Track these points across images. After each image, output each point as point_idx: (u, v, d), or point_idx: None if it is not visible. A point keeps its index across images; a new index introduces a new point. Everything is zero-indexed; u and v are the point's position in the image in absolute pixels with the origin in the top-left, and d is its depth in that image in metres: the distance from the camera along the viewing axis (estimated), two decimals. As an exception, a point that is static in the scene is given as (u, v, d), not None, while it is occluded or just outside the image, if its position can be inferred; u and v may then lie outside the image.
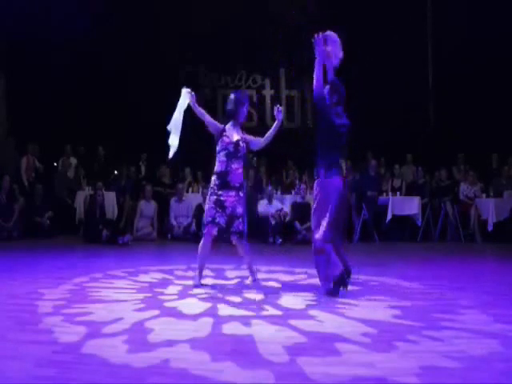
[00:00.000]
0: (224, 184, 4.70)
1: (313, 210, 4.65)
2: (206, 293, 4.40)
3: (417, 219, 9.61)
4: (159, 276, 5.27)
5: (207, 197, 4.82)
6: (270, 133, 4.91)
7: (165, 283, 4.86)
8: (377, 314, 3.67)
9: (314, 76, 4.60)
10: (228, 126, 4.88)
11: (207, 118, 4.94)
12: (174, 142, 5.10)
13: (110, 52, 11.87)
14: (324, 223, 4.43)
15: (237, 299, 4.18)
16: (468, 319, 3.50)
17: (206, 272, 5.54)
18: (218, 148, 4.82)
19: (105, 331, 3.12)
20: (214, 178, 4.79)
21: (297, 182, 10.00)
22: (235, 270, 5.71)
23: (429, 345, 2.91)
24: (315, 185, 4.77)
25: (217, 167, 4.80)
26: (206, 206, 4.78)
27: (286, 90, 12.97)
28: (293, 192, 9.86)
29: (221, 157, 4.78)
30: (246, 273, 5.42)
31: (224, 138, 4.81)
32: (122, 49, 11.87)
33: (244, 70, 12.83)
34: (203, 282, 4.91)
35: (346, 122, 4.74)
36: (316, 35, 4.62)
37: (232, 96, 4.91)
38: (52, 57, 10.96)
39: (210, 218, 4.69)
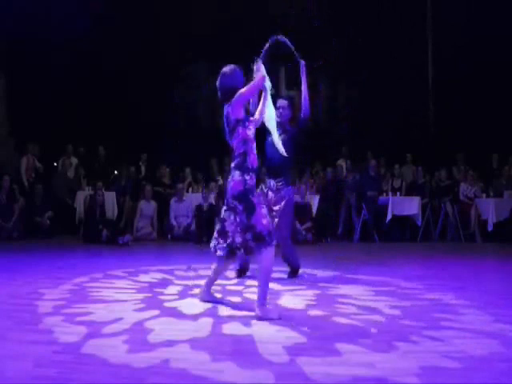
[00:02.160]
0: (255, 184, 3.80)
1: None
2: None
3: (417, 219, 9.61)
4: (159, 276, 5.27)
5: (256, 205, 3.61)
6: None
7: (165, 283, 4.85)
8: (376, 313, 3.67)
9: (307, 97, 5.09)
10: None
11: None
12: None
13: (109, 52, 11.88)
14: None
15: (237, 299, 4.18)
16: (468, 319, 3.49)
17: (206, 272, 5.55)
18: (247, 133, 3.68)
19: (105, 331, 3.12)
20: (250, 177, 3.66)
21: (297, 181, 9.99)
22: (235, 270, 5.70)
23: (429, 345, 2.91)
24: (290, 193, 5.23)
25: (252, 162, 3.69)
26: (263, 220, 3.59)
27: (285, 89, 12.98)
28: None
29: (254, 149, 3.73)
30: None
31: (251, 123, 3.80)
32: (122, 49, 11.87)
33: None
34: (203, 282, 4.93)
35: None
36: (302, 61, 4.97)
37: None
38: (52, 57, 10.96)
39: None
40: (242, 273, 5.28)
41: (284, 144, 4.99)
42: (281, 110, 5.19)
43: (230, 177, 3.70)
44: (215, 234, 3.79)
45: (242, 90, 3.69)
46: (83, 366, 2.53)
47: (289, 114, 5.30)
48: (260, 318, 3.45)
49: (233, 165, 3.71)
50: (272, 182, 5.15)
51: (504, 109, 10.81)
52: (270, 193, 5.15)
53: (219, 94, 3.78)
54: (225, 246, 3.71)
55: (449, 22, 11.36)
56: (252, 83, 3.79)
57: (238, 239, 3.64)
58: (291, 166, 5.39)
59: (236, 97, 3.66)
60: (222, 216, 3.76)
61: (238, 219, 3.63)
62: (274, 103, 4.42)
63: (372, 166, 10.07)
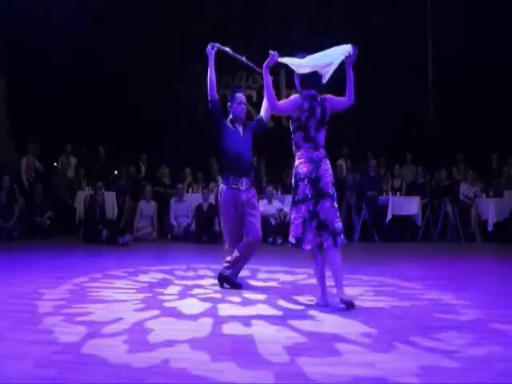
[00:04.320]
0: None
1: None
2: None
3: (417, 219, 9.60)
4: (159, 276, 5.27)
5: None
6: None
7: (165, 283, 4.85)
8: (377, 314, 3.67)
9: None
10: None
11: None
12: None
13: (110, 52, 11.87)
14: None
15: (237, 299, 4.18)
16: (468, 319, 3.49)
17: (206, 272, 5.56)
18: None
19: (105, 331, 3.12)
20: None
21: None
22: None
23: (429, 345, 2.91)
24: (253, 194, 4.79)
25: None
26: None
27: (285, 89, 12.96)
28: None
29: None
30: (245, 272, 5.41)
31: None
32: (122, 49, 11.87)
33: (244, 70, 12.83)
34: (203, 282, 4.94)
35: None
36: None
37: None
38: (52, 57, 10.96)
39: None
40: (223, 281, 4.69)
41: (246, 142, 4.73)
42: (243, 106, 4.80)
43: (327, 165, 3.88)
44: (314, 232, 3.79)
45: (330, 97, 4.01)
46: (83, 365, 2.53)
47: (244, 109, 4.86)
48: (347, 303, 3.76)
49: (322, 155, 3.89)
50: (245, 181, 4.67)
51: (504, 109, 10.79)
52: (242, 194, 4.64)
53: (315, 80, 3.94)
54: (328, 235, 3.81)
55: (449, 22, 11.34)
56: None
57: (338, 225, 3.85)
58: None
59: (333, 98, 4.00)
60: (312, 210, 3.80)
61: (335, 205, 3.87)
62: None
63: (372, 166, 10.07)
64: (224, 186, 4.70)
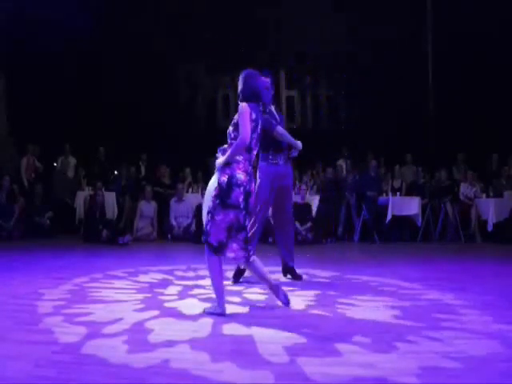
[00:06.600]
0: None
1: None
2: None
3: (417, 220, 9.59)
4: (159, 276, 5.27)
5: None
6: None
7: (165, 283, 4.85)
8: (377, 314, 3.67)
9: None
10: None
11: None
12: None
13: (110, 52, 11.88)
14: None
15: (237, 299, 4.18)
16: (468, 319, 3.50)
17: (206, 272, 5.55)
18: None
19: (105, 331, 3.12)
20: None
21: (297, 182, 9.98)
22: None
23: (429, 345, 2.91)
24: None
25: None
26: None
27: (286, 90, 12.98)
28: (293, 192, 9.84)
29: None
30: (245, 273, 5.40)
31: None
32: (123, 48, 11.89)
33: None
34: (203, 282, 4.94)
35: None
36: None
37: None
38: (52, 57, 10.96)
39: None
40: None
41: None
42: (265, 91, 4.72)
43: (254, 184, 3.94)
44: (241, 245, 3.62)
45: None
46: (83, 366, 2.53)
47: (270, 94, 4.92)
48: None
49: (252, 172, 3.83)
50: (283, 157, 5.10)
51: (504, 109, 10.81)
52: (280, 168, 5.07)
53: (260, 95, 3.88)
54: (252, 248, 3.85)
55: (449, 22, 11.35)
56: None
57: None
58: None
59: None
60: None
61: None
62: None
63: (372, 166, 10.06)
64: (263, 163, 4.96)
